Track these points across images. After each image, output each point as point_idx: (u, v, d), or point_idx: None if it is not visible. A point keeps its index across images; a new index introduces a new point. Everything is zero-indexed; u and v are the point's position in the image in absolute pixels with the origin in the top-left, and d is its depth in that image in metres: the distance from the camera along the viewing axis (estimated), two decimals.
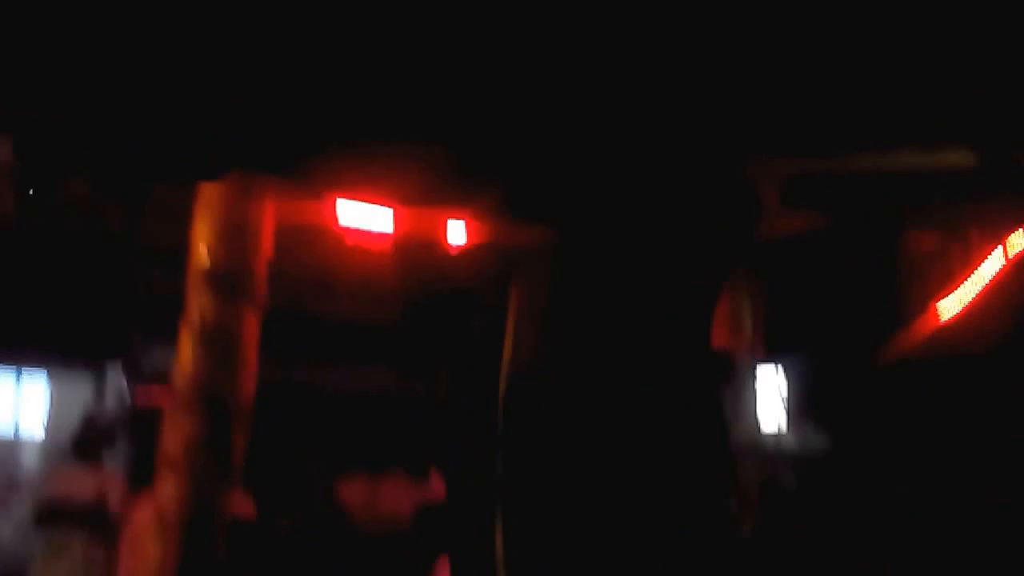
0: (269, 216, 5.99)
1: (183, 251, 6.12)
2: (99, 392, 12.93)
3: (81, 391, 13.09)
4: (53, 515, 6.37)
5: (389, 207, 6.07)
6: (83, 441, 6.62)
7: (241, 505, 5.66)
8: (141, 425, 9.88)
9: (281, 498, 5.90)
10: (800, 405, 12.68)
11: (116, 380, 12.39)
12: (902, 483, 7.94)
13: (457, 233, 6.33)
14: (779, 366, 12.89)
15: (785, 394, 13.29)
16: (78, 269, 9.75)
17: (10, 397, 15.00)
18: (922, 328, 6.32)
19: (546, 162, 5.74)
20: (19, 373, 14.33)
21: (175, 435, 5.60)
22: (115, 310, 10.72)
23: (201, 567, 5.39)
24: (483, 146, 5.69)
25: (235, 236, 5.83)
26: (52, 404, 14.04)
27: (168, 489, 5.51)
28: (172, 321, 6.27)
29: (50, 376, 13.81)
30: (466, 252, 6.31)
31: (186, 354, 5.73)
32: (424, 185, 6.06)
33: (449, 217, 6.31)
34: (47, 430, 13.97)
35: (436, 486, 6.89)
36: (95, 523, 6.44)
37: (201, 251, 5.82)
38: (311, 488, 6.23)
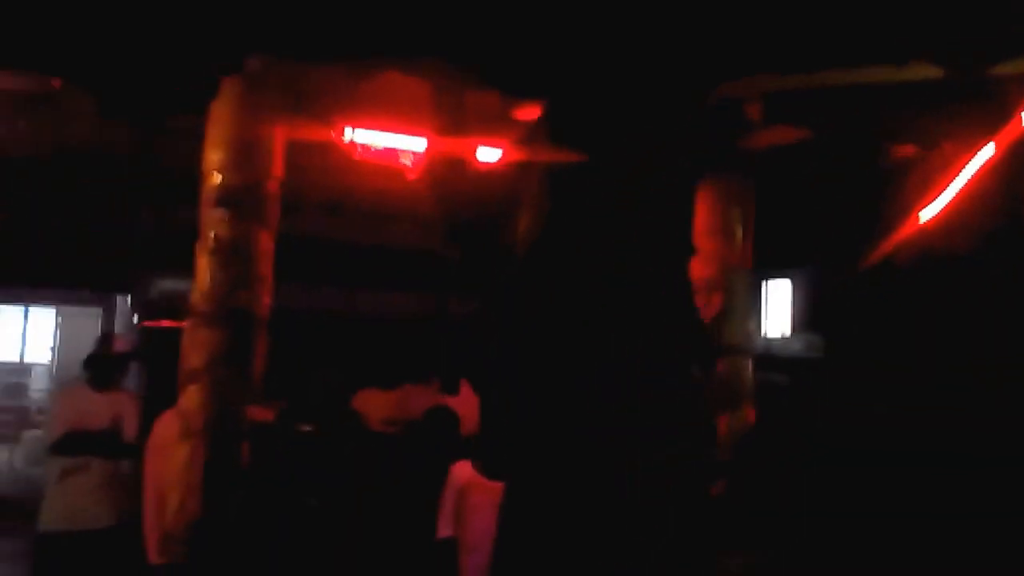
0: (279, 136, 6.30)
1: (192, 177, 6.49)
2: (108, 322, 13.38)
3: (90, 323, 13.56)
4: (71, 443, 6.62)
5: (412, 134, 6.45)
6: (98, 369, 6.87)
7: (261, 413, 6.07)
8: (153, 350, 10.34)
9: (300, 408, 6.30)
10: (801, 311, 13.25)
11: (125, 310, 12.81)
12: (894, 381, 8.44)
13: (486, 155, 6.72)
14: (781, 275, 13.49)
15: (789, 301, 13.86)
16: (89, 203, 10.10)
17: (20, 331, 15.49)
18: (905, 233, 6.76)
19: (576, 89, 6.14)
20: (27, 308, 14.80)
21: (196, 349, 6.00)
22: (124, 242, 11.08)
23: (225, 468, 5.85)
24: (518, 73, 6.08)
25: (246, 155, 6.12)
26: (61, 337, 14.53)
27: (192, 399, 5.92)
28: (181, 249, 6.64)
29: (59, 310, 14.29)
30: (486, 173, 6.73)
31: (203, 272, 6.07)
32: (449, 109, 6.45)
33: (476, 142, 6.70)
34: (57, 362, 14.46)
35: (466, 395, 7.35)
36: (111, 447, 6.79)
37: (214, 173, 6.13)
38: (329, 399, 6.61)
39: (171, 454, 5.95)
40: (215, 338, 5.98)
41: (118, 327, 13.14)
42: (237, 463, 5.89)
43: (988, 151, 5.88)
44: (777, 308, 14.43)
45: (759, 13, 5.01)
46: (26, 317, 15.14)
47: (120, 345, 7.13)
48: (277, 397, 6.29)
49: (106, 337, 7.03)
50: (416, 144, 6.58)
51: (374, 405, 6.87)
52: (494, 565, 5.44)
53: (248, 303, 6.06)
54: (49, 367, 14.81)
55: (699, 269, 6.96)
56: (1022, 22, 5.01)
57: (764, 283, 14.30)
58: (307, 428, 6.09)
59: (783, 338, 14.07)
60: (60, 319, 14.56)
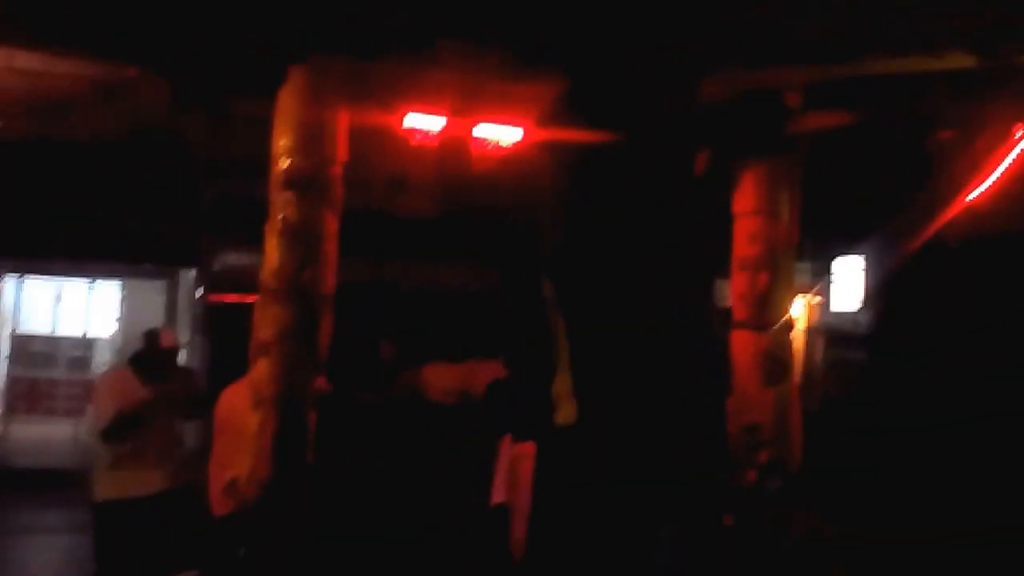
0: (344, 121, 6.90)
1: (257, 159, 7.11)
2: (172, 296, 14.13)
3: (154, 296, 14.33)
4: (122, 430, 7.13)
5: (449, 115, 7.07)
6: (145, 366, 7.32)
7: (327, 385, 6.72)
8: (219, 324, 11.02)
9: (362, 380, 6.92)
10: (873, 288, 13.74)
11: (189, 284, 13.55)
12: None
13: (511, 135, 7.32)
14: (854, 252, 13.98)
15: (862, 277, 14.36)
16: (156, 179, 10.80)
17: (84, 305, 16.32)
18: (953, 214, 7.26)
19: (607, 67, 6.72)
20: (92, 281, 15.59)
21: (266, 324, 6.63)
22: (189, 218, 11.79)
23: (294, 436, 6.51)
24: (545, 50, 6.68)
25: (312, 141, 6.73)
26: (126, 311, 15.31)
27: (262, 370, 6.55)
28: (244, 228, 7.27)
29: (124, 283, 15.06)
30: (522, 153, 7.32)
31: (272, 252, 6.70)
32: (482, 90, 7.06)
33: (502, 121, 7.30)
34: (121, 336, 15.25)
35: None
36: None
37: (282, 157, 6.74)
38: (390, 372, 7.22)
39: (242, 422, 6.63)
40: (283, 314, 6.57)
41: (182, 301, 13.88)
42: (305, 431, 6.56)
43: None
44: (850, 284, 14.95)
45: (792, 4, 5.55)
46: (91, 291, 15.93)
47: (167, 340, 7.51)
48: (342, 369, 6.90)
49: (152, 333, 7.41)
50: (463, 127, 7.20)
51: (438, 377, 7.46)
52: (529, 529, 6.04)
53: (314, 281, 6.66)
54: (113, 341, 15.57)
55: (745, 248, 7.49)
56: None
57: (835, 260, 14.82)
58: (368, 398, 6.71)
59: (854, 314, 14.58)
60: (125, 292, 15.30)
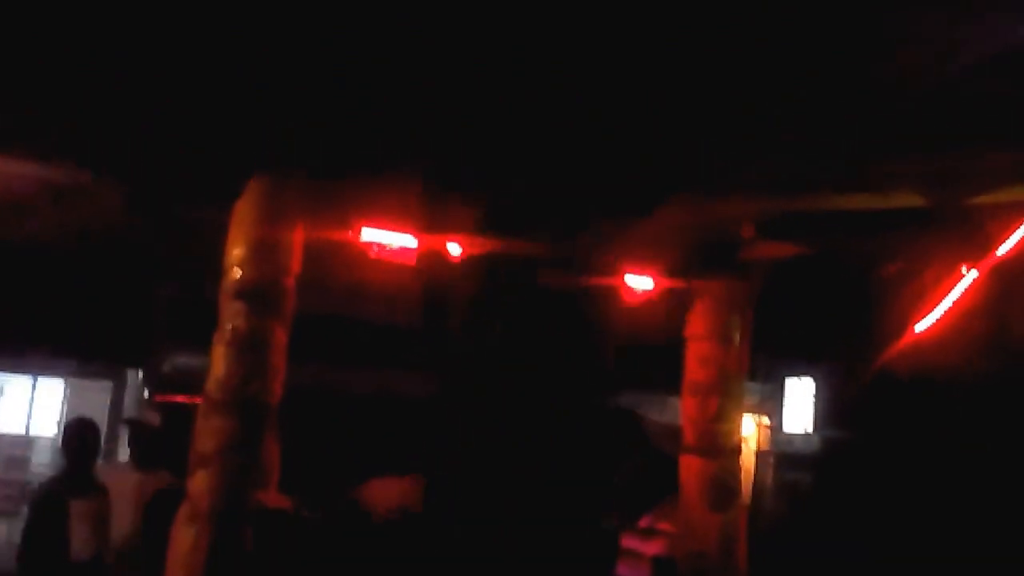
0: (298, 235, 6.96)
1: (209, 262, 7.13)
2: (118, 396, 14.00)
3: (100, 397, 14.18)
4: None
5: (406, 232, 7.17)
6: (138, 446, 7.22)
7: (271, 499, 6.64)
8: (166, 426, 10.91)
9: (307, 494, 6.85)
10: (823, 410, 13.92)
11: (135, 384, 13.44)
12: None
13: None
14: (804, 373, 14.19)
15: (812, 400, 14.54)
16: (106, 278, 10.81)
17: (26, 402, 16.09)
18: (902, 345, 7.40)
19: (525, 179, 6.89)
20: (36, 379, 15.40)
21: (208, 435, 6.55)
22: (137, 319, 11.76)
23: (229, 552, 6.41)
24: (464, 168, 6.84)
25: (266, 254, 6.74)
26: (69, 410, 15.12)
27: (201, 483, 6.46)
28: (193, 330, 7.26)
29: (68, 383, 14.92)
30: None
31: (219, 361, 6.65)
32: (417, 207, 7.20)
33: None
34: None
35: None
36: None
37: (234, 268, 6.75)
38: (336, 485, 7.15)
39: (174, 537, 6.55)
40: (226, 426, 6.49)
41: (128, 401, 13.74)
42: (241, 548, 6.46)
43: (972, 274, 6.55)
44: (800, 407, 15.10)
45: (749, 140, 5.73)
46: (34, 388, 15.73)
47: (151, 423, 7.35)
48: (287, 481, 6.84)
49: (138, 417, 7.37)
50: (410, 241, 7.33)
51: (380, 493, 7.40)
52: None
53: (260, 393, 6.62)
54: (55, 440, 15.36)
55: (696, 372, 7.55)
56: (996, 157, 5.69)
57: (786, 380, 15.01)
58: (313, 517, 6.65)
59: (805, 435, 14.71)
60: (68, 391, 15.15)
